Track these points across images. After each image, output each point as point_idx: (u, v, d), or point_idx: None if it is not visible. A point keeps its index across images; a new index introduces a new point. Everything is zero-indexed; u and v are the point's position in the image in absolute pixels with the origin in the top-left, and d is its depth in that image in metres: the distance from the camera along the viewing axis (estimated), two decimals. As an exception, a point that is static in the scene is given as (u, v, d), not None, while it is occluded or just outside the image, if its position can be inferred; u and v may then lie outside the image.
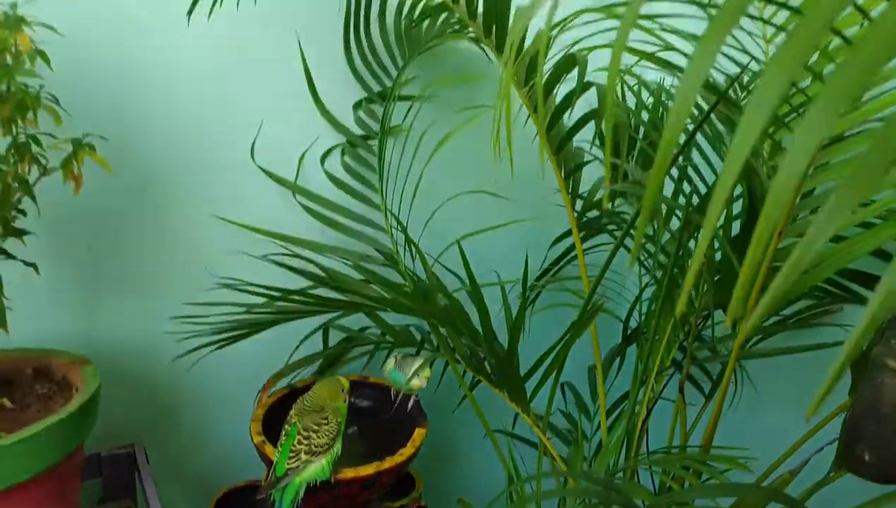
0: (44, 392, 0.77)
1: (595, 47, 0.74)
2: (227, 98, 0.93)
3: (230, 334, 0.84)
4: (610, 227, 1.01)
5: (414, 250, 0.94)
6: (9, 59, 0.65)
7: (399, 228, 0.98)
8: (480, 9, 0.84)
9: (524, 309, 0.84)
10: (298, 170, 1.00)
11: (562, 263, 1.07)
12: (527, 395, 0.89)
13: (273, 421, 0.86)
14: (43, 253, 0.84)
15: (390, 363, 0.92)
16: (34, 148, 0.68)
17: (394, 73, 1.00)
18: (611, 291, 1.13)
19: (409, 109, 0.99)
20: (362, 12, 0.96)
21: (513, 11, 0.80)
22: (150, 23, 0.87)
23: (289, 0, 0.94)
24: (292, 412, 0.81)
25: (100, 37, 0.85)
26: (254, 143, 0.96)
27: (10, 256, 0.72)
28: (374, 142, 1.01)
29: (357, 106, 1.02)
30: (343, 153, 1.02)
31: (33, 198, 0.70)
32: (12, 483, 0.64)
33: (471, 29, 0.87)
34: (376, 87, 1.01)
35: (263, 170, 0.97)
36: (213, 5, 0.77)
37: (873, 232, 0.63)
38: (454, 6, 0.87)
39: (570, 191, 0.94)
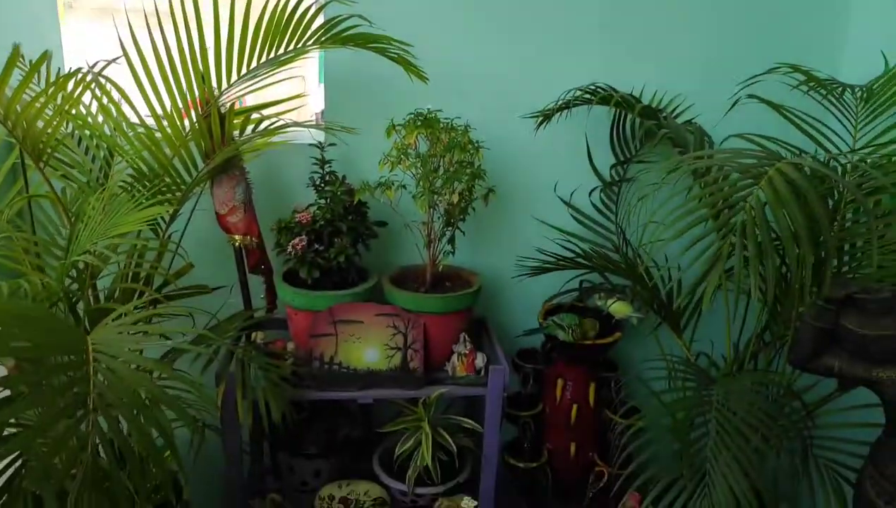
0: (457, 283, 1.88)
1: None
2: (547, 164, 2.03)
3: (535, 270, 1.94)
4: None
5: (627, 245, 1.93)
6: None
7: (622, 233, 1.96)
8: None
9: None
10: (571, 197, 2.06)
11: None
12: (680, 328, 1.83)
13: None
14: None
15: (597, 297, 1.89)
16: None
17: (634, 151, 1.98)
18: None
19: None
20: (620, 123, 1.95)
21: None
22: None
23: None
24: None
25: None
26: (556, 184, 2.05)
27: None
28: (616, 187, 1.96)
29: (612, 167, 1.99)
30: (601, 191, 2.01)
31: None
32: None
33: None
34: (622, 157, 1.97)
35: (561, 199, 2.07)
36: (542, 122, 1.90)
37: None
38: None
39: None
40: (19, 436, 1.16)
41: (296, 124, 1.69)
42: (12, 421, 1.30)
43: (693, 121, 1.93)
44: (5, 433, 1.21)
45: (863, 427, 1.49)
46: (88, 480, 1.14)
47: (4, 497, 1.27)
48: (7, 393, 1.14)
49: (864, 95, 1.71)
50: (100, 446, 1.13)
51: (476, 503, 1.73)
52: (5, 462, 1.23)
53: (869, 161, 1.57)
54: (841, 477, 1.56)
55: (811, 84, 1.71)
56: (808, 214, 1.10)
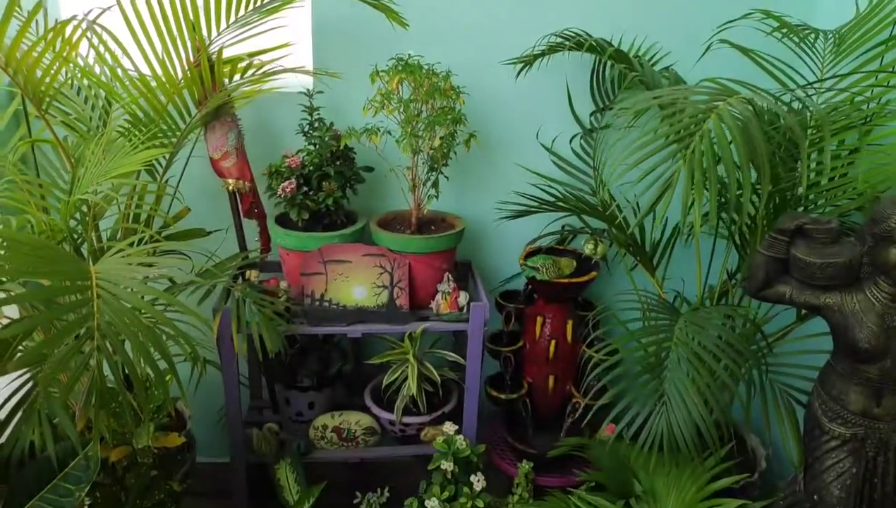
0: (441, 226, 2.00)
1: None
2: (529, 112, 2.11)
3: (516, 214, 2.00)
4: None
5: (604, 189, 2.05)
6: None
7: (599, 177, 2.05)
8: None
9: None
10: (552, 144, 2.15)
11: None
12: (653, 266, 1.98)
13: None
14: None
15: (584, 241, 2.01)
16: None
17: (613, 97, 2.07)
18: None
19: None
20: (599, 71, 2.03)
21: None
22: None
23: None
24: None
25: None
26: (538, 131, 2.13)
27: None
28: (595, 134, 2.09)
29: (591, 114, 2.10)
30: (581, 137, 2.12)
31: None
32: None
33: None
34: (601, 104, 2.07)
35: (543, 145, 2.14)
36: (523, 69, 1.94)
37: None
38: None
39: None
40: (27, 353, 1.28)
41: (284, 70, 1.77)
42: (20, 348, 1.41)
43: (670, 67, 1.99)
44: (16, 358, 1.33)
45: (815, 354, 1.60)
46: (97, 399, 1.26)
47: (18, 415, 1.39)
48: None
49: (836, 40, 1.76)
50: (107, 367, 1.24)
51: (457, 427, 1.86)
52: (19, 381, 1.35)
53: (835, 101, 1.64)
54: (793, 399, 1.67)
55: (783, 30, 1.76)
56: (752, 147, 1.18)
